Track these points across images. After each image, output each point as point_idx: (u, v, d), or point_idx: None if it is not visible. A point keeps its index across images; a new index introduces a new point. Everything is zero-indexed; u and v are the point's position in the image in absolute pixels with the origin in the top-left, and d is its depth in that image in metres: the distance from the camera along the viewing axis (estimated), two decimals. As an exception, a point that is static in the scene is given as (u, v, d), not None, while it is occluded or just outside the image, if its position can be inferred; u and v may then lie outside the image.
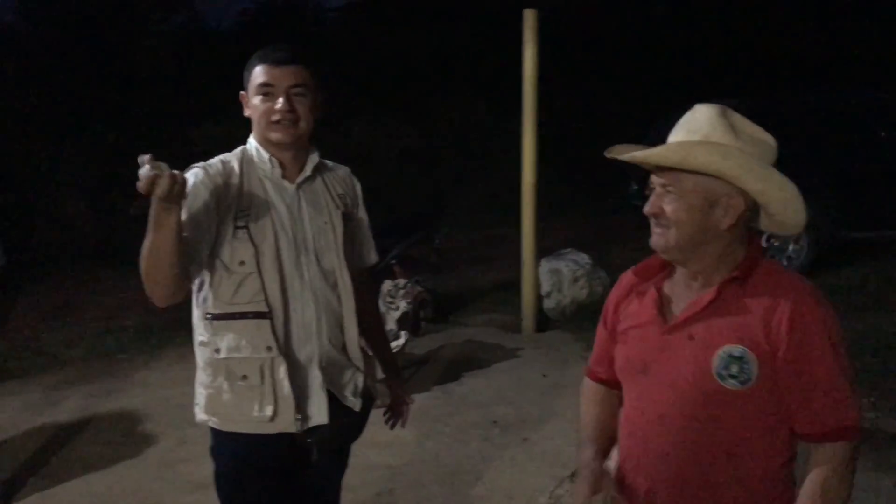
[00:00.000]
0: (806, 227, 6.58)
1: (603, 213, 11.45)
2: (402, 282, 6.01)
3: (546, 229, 6.96)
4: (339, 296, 2.17)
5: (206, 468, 2.22)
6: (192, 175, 2.00)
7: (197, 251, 1.97)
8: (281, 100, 2.04)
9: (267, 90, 2.05)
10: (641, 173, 1.69)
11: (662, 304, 1.66)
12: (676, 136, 1.61)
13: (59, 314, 7.71)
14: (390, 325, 5.33)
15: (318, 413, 2.11)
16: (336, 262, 2.16)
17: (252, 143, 2.15)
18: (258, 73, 2.06)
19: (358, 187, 2.35)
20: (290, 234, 2.08)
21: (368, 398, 2.29)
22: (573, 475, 1.91)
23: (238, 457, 2.12)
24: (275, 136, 2.07)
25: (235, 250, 2.03)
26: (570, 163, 12.69)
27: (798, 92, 9.97)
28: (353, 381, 2.21)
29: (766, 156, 1.57)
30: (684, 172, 1.55)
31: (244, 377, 2.04)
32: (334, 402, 2.15)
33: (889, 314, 6.17)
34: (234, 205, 2.04)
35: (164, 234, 1.81)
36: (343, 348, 2.20)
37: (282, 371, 2.04)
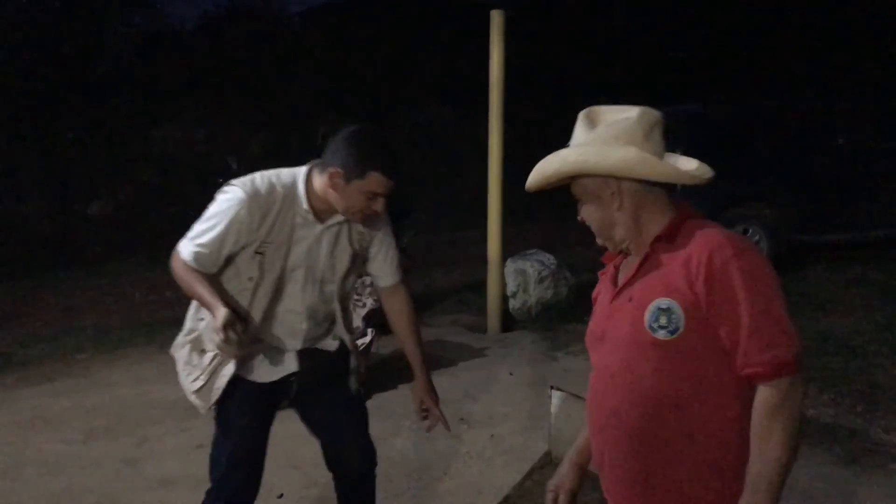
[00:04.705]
0: (765, 229, 6.65)
1: (567, 217, 11.53)
2: (368, 279, 5.95)
3: (511, 233, 6.98)
4: (327, 302, 2.50)
5: (167, 467, 2.23)
6: (237, 204, 2.23)
7: (214, 264, 2.30)
8: (381, 203, 2.29)
9: (376, 196, 2.26)
10: None
11: (615, 279, 1.78)
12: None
13: (14, 314, 7.53)
14: (357, 322, 5.29)
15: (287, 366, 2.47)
16: (335, 290, 2.48)
17: (302, 186, 2.31)
18: (376, 180, 2.23)
19: (382, 221, 2.53)
20: (305, 265, 2.36)
21: (344, 346, 2.60)
22: (541, 466, 1.97)
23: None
24: (355, 221, 2.36)
25: (249, 267, 2.31)
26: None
27: (760, 98, 10.17)
28: (331, 332, 2.55)
29: (627, 131, 1.64)
30: (574, 181, 1.71)
31: (202, 352, 2.38)
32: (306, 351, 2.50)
33: (848, 315, 6.31)
34: (262, 237, 2.29)
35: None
36: (325, 317, 2.52)
37: (227, 369, 2.35)
